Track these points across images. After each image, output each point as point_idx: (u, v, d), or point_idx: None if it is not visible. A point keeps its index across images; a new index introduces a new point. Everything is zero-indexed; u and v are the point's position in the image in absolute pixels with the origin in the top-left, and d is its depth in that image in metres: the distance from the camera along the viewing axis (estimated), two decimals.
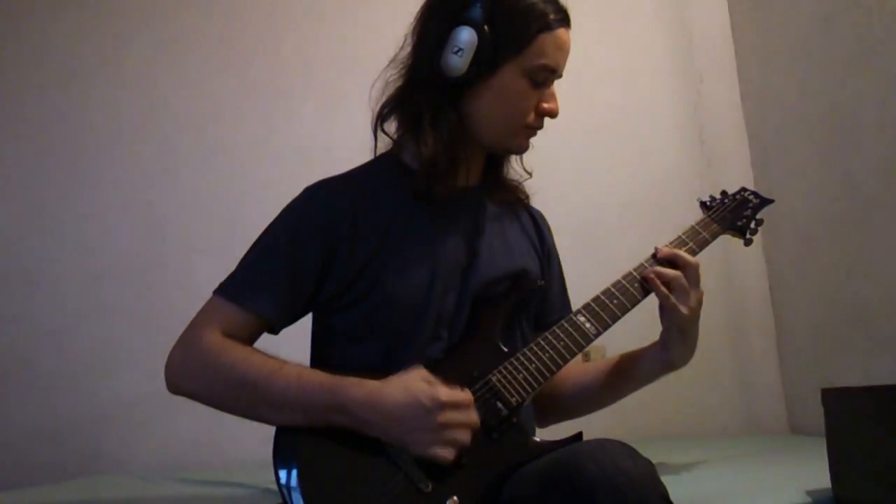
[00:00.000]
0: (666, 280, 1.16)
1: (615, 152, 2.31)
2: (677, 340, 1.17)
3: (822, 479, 1.13)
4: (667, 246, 1.22)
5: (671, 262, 1.18)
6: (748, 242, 1.33)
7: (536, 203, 1.35)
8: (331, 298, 1.13)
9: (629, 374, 1.24)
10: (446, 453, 0.99)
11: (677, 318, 1.15)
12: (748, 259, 2.11)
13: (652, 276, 1.17)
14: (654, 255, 1.20)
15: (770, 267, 2.23)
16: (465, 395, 1.03)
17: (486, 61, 1.11)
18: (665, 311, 1.17)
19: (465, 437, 1.00)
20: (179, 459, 2.15)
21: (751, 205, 1.34)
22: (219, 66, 2.39)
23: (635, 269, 1.20)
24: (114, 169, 2.34)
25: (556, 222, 1.37)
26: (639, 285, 1.18)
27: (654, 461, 0.92)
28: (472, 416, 1.02)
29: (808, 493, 1.15)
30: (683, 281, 1.15)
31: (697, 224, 1.28)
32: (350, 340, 1.14)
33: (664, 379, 1.24)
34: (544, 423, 1.31)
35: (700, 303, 1.16)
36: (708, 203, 1.33)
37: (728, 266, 2.19)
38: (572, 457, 0.92)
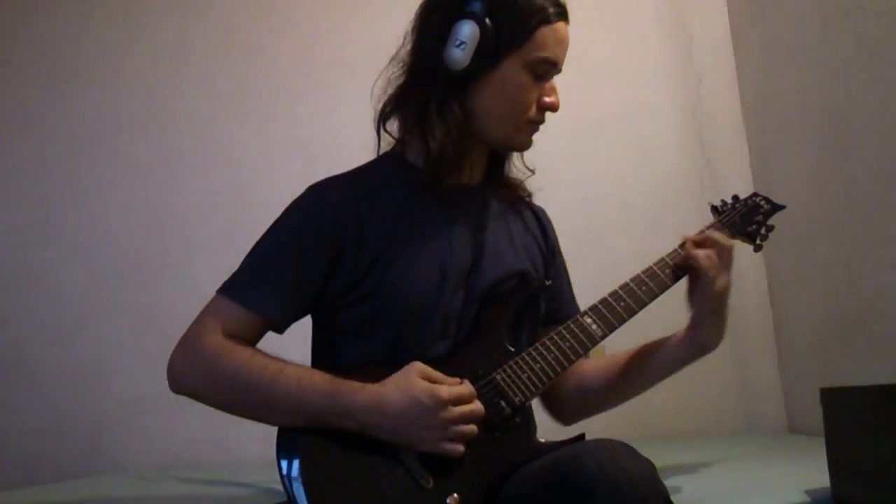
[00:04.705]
0: (698, 257, 1.16)
1: (615, 152, 2.31)
2: (710, 320, 1.16)
3: (821, 478, 1.14)
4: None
5: (702, 244, 1.19)
6: (758, 248, 1.33)
7: (536, 202, 1.35)
8: (336, 296, 1.13)
9: (659, 360, 1.22)
10: (455, 447, 1.00)
11: (710, 295, 1.15)
12: (747, 259, 2.11)
13: (686, 255, 1.18)
14: (682, 245, 1.21)
15: (770, 267, 2.23)
16: (466, 387, 1.04)
17: (489, 54, 1.11)
18: (697, 288, 1.17)
19: (471, 429, 1.02)
20: (179, 459, 2.15)
21: (762, 210, 1.33)
22: (220, 66, 2.39)
23: (654, 265, 1.20)
24: (114, 169, 2.35)
25: (556, 222, 1.37)
26: (670, 271, 1.19)
27: (653, 461, 0.92)
28: (477, 407, 1.03)
29: (808, 492, 1.15)
30: (716, 258, 1.16)
31: (708, 228, 1.27)
32: (355, 337, 1.14)
33: (664, 379, 1.24)
34: (571, 420, 1.31)
35: (731, 282, 1.17)
36: (719, 208, 1.33)
37: None
38: (573, 456, 0.92)
